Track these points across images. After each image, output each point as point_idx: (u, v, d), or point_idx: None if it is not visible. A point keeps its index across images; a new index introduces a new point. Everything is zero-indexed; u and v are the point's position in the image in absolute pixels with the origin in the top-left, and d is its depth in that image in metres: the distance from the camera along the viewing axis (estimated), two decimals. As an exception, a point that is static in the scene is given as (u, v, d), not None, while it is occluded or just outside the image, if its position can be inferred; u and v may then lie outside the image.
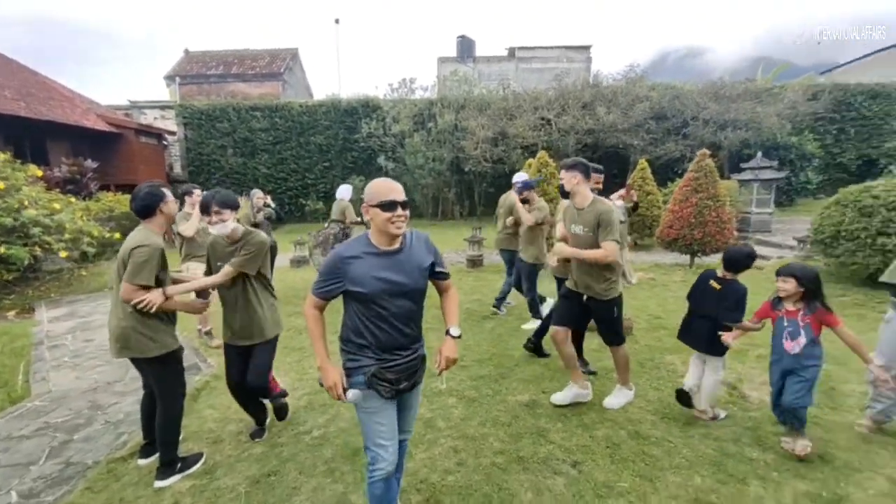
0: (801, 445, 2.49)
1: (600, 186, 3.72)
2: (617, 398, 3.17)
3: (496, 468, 2.50)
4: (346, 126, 15.81)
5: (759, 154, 10.32)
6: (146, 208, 2.38)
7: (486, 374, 3.70)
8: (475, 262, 8.19)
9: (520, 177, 5.60)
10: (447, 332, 1.92)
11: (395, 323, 1.75)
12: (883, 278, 2.51)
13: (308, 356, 4.20)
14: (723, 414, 2.98)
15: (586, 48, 21.10)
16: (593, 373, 3.67)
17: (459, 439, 2.78)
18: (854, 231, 5.47)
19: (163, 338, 2.39)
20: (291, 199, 15.95)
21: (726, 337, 2.67)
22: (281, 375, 3.80)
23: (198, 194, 4.39)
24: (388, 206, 1.68)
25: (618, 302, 3.02)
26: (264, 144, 15.75)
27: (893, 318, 2.63)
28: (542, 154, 7.69)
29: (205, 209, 2.58)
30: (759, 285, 6.58)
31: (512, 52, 21.43)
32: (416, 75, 45.57)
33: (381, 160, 14.95)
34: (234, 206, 2.61)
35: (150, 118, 16.70)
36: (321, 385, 1.80)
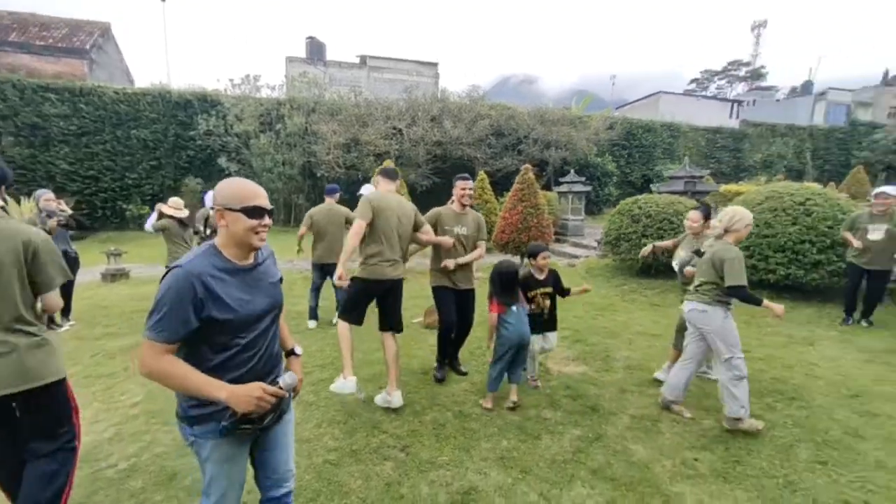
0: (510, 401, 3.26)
1: (465, 192, 3.67)
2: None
3: (328, 465, 2.59)
4: (179, 121, 13.94)
5: (572, 171, 12.41)
6: None
7: (327, 378, 3.75)
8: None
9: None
10: (292, 352, 1.82)
11: (262, 349, 1.52)
12: (729, 282, 2.84)
13: (119, 381, 3.68)
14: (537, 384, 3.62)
15: (434, 65, 22.49)
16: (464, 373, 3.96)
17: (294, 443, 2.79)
18: (628, 234, 7.05)
19: None
20: (106, 203, 13.38)
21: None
22: (83, 407, 3.25)
23: None
24: (255, 212, 1.43)
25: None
26: (64, 135, 12.88)
27: (728, 314, 2.98)
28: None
29: None
30: (569, 279, 8.01)
31: (364, 60, 21.63)
32: (260, 72, 42.53)
33: (223, 161, 13.58)
34: None
35: None
36: (231, 422, 1.38)
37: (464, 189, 3.67)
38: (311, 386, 3.59)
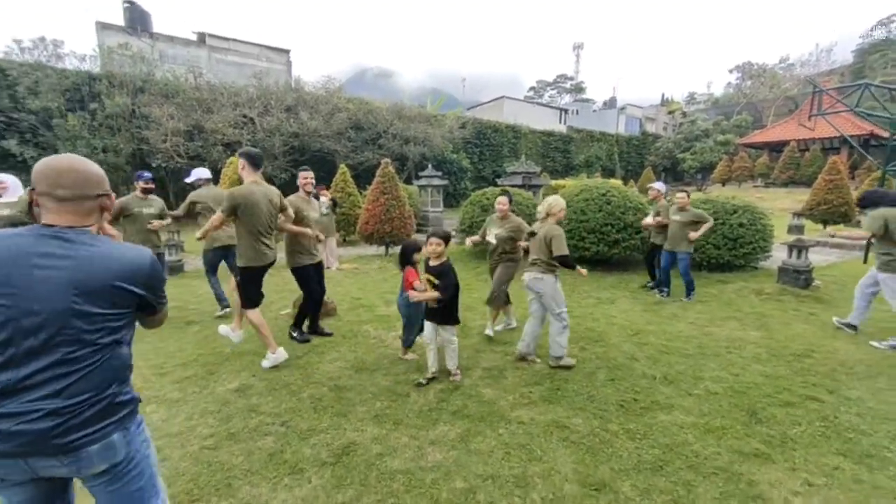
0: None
1: (305, 182, 4.55)
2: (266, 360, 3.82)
3: (206, 450, 2.61)
4: (-67, 90, 10.74)
5: (430, 166, 13.23)
6: None
7: (192, 375, 3.61)
8: (175, 269, 7.32)
9: (197, 173, 5.45)
10: None
11: None
12: (556, 252, 3.70)
13: None
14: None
15: (286, 52, 21.33)
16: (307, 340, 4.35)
17: (161, 439, 2.71)
18: (480, 223, 7.98)
19: None
20: None
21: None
22: None
23: None
24: None
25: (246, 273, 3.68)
26: None
27: (556, 280, 3.89)
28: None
29: None
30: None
31: (202, 37, 19.38)
32: (62, 37, 34.66)
33: (13, 144, 10.92)
34: None
35: None
36: None
37: (305, 178, 4.53)
38: (173, 385, 3.42)
